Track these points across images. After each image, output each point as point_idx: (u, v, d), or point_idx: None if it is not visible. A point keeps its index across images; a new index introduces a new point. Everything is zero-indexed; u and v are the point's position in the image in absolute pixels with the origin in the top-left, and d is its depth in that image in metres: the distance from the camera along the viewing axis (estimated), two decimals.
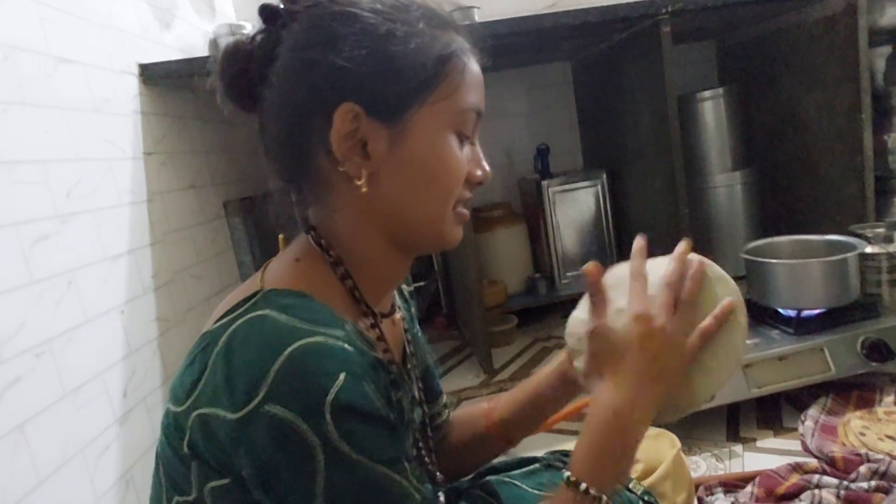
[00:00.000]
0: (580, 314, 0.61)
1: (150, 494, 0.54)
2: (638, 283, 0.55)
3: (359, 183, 0.49)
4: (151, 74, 1.26)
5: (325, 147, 0.48)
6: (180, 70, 1.28)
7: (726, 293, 0.56)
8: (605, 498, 0.50)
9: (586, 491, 0.50)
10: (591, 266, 0.57)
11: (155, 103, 1.30)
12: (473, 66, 0.52)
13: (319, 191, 0.52)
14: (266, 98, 0.50)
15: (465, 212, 0.55)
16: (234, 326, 0.45)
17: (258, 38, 0.51)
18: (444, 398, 0.75)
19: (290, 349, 0.41)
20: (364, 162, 0.49)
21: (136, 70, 1.24)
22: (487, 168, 0.55)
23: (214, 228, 1.54)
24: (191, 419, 0.45)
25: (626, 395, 0.52)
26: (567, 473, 0.51)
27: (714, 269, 0.58)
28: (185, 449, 0.46)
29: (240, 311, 0.46)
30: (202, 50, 1.60)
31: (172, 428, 0.48)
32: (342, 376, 0.41)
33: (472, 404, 0.77)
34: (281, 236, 0.58)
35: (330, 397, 0.41)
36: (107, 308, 1.01)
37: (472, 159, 0.54)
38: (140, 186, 1.19)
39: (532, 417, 0.71)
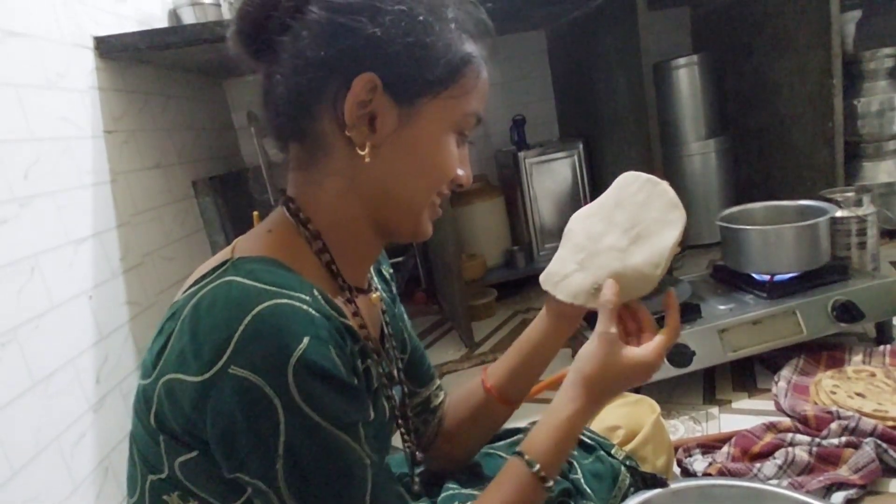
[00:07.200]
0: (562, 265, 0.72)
1: (126, 477, 0.53)
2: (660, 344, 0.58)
3: (362, 153, 0.49)
4: (108, 48, 1.20)
5: (334, 110, 0.49)
6: (138, 43, 1.21)
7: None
8: (551, 482, 0.55)
9: (539, 474, 0.54)
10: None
11: (113, 78, 1.24)
12: (485, 75, 0.55)
13: (315, 152, 0.52)
14: (285, 48, 0.49)
15: (439, 210, 0.57)
16: (201, 293, 0.45)
17: None
18: (438, 381, 0.74)
19: (255, 311, 0.41)
20: (369, 135, 0.50)
21: (91, 43, 1.18)
22: (469, 172, 0.58)
23: (184, 208, 1.49)
24: (157, 388, 0.45)
25: (597, 410, 0.60)
26: (528, 457, 0.55)
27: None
28: (153, 421, 0.46)
29: (208, 279, 0.46)
30: (162, 21, 1.53)
31: (142, 402, 0.48)
32: (306, 339, 0.42)
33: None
34: (255, 213, 0.57)
35: (293, 358, 0.41)
36: (74, 293, 0.98)
37: (459, 160, 0.56)
38: (102, 166, 1.14)
39: (526, 372, 0.71)
